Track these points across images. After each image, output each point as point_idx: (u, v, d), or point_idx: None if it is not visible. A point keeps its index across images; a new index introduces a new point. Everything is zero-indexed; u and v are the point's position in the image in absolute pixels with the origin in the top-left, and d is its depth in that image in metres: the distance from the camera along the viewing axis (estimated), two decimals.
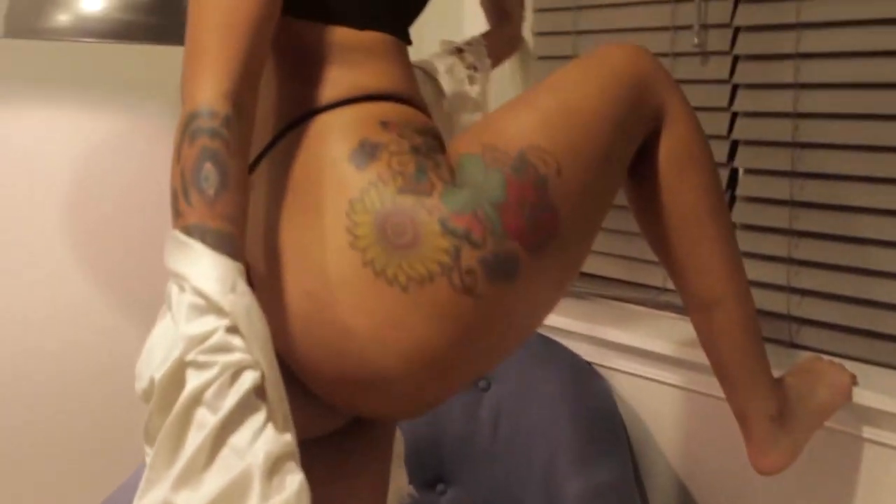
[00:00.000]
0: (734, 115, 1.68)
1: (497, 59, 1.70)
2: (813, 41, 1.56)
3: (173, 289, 0.85)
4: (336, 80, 1.08)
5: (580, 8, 1.88)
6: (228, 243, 0.87)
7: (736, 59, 1.68)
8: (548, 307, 1.12)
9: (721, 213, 1.25)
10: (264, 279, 1.04)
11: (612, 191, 1.15)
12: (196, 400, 0.81)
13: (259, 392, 0.83)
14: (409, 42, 1.18)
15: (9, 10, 1.42)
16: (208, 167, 0.88)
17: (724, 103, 1.68)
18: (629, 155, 1.18)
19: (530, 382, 1.75)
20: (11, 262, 1.72)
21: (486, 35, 1.70)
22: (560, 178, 1.05)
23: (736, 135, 1.67)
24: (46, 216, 1.74)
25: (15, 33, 1.41)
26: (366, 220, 0.99)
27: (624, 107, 1.15)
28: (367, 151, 1.02)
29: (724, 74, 1.68)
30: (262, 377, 0.84)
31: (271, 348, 0.86)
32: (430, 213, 0.99)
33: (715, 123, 1.67)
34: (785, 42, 1.59)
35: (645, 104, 1.18)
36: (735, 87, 1.68)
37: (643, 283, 1.85)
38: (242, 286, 0.85)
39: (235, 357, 0.83)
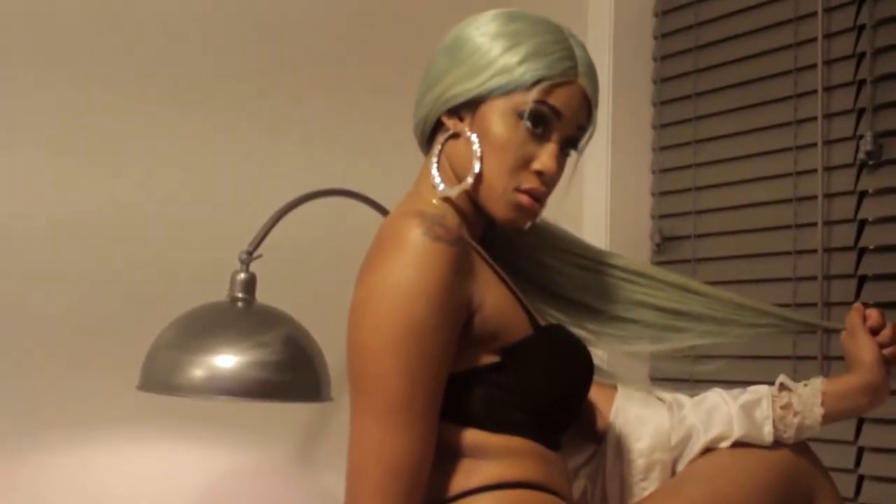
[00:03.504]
0: (861, 452, 1.64)
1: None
2: None
3: None
4: (469, 471, 1.09)
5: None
6: None
7: None
8: None
9: None
10: None
11: None
12: None
13: None
14: (556, 448, 1.16)
15: (146, 366, 1.46)
16: None
17: (850, 465, 1.65)
18: None
19: None
20: None
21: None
22: None
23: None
24: None
25: (151, 388, 1.44)
26: None
27: (774, 496, 1.19)
28: None
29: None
30: None
31: None
32: None
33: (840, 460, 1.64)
34: None
35: (795, 493, 1.21)
36: (862, 421, 1.64)
37: None
38: None
39: None
